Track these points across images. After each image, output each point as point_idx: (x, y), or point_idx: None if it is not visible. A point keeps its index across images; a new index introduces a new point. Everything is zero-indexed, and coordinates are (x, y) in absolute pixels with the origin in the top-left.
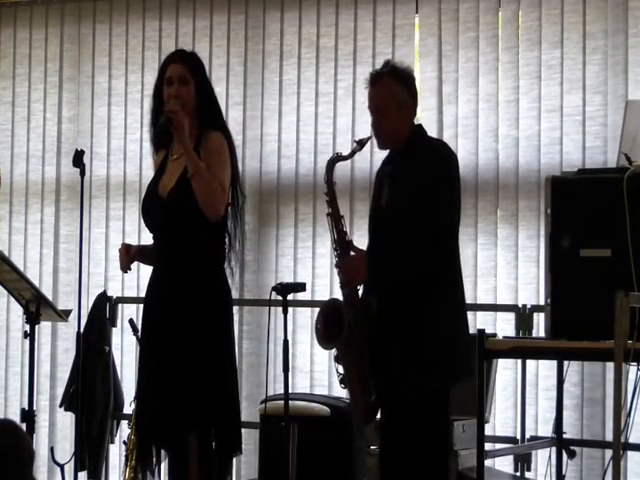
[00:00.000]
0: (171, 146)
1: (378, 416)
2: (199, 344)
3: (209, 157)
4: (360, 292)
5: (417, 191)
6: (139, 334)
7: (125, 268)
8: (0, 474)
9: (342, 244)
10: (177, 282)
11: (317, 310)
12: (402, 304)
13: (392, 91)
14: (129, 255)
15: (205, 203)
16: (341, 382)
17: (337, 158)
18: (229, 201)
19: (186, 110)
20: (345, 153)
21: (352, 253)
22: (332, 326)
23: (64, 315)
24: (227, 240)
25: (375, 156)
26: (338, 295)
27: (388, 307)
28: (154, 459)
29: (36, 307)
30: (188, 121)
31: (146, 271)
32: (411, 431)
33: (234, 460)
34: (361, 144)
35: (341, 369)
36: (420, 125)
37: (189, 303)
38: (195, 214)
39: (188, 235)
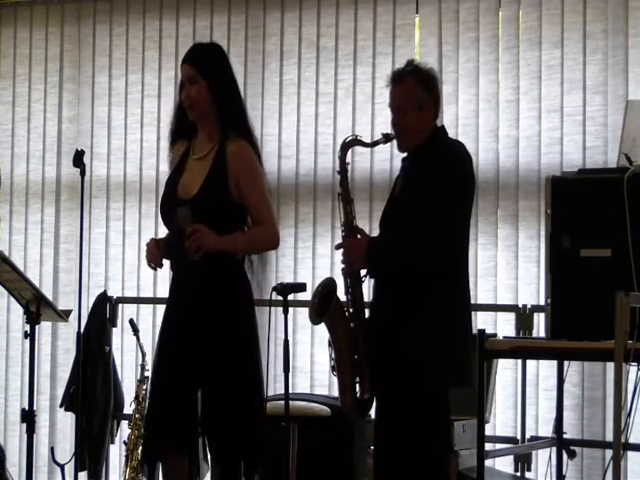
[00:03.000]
0: (193, 142)
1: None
2: (228, 350)
3: (245, 181)
4: (364, 285)
5: (427, 189)
6: (139, 334)
7: (160, 264)
8: None
9: (348, 227)
10: (200, 284)
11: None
12: (400, 300)
13: (412, 91)
14: (160, 250)
15: (265, 250)
16: (332, 368)
17: (356, 141)
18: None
19: (199, 109)
20: (366, 140)
21: (359, 237)
22: (326, 304)
23: (64, 315)
24: None
25: (395, 159)
26: (339, 295)
27: (386, 302)
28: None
29: (36, 307)
30: (202, 125)
31: (147, 271)
32: (404, 430)
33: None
34: (387, 138)
35: (334, 354)
36: (442, 127)
37: (209, 307)
38: (218, 217)
39: None
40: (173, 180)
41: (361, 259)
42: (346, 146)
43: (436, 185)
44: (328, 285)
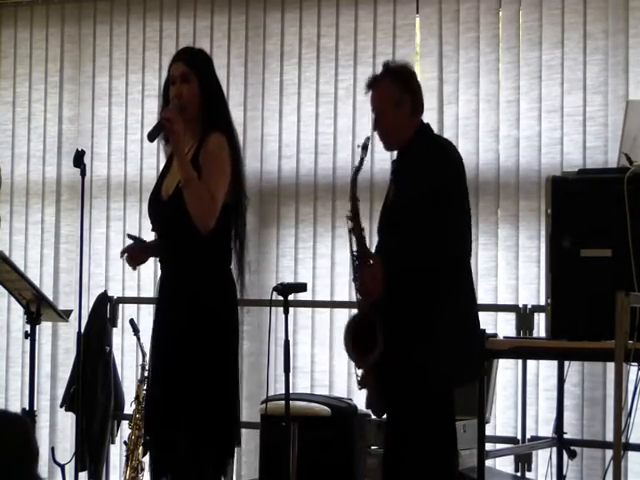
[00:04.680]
0: None
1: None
2: (197, 350)
3: (206, 162)
4: None
5: (419, 192)
6: (139, 334)
7: (135, 266)
8: (12, 470)
9: (363, 257)
10: (181, 284)
11: (320, 312)
12: (407, 304)
13: (387, 91)
14: (142, 252)
15: (194, 215)
16: (359, 383)
17: (356, 172)
18: (232, 202)
19: (188, 109)
20: (357, 164)
21: (371, 262)
22: (363, 342)
23: (65, 315)
24: (232, 241)
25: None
26: (339, 295)
27: (393, 307)
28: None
29: (37, 307)
30: (187, 124)
31: (147, 271)
32: (412, 432)
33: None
34: (365, 148)
35: (359, 372)
36: (427, 124)
37: (190, 307)
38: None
39: (190, 238)
40: (160, 180)
41: (378, 289)
42: (354, 182)
43: (426, 186)
44: (359, 323)
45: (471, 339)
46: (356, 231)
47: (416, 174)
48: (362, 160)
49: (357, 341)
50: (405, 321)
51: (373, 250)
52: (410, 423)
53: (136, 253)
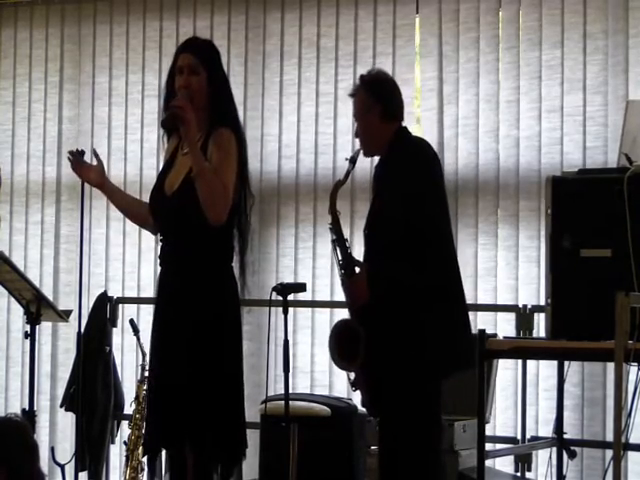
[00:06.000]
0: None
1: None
2: (202, 350)
3: (215, 155)
4: None
5: (400, 195)
6: (139, 334)
7: (77, 170)
8: (19, 468)
9: (348, 266)
10: (183, 281)
11: (320, 312)
12: (391, 305)
13: (360, 99)
14: (95, 170)
15: (207, 206)
16: (352, 385)
17: (337, 186)
18: (236, 200)
19: (196, 101)
20: (342, 178)
21: (357, 270)
22: (347, 347)
23: (64, 315)
24: (236, 239)
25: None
26: (339, 295)
27: (378, 308)
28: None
29: (37, 307)
30: (195, 116)
31: (147, 272)
32: (400, 429)
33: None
34: (353, 161)
35: (352, 375)
36: (404, 128)
37: (193, 304)
38: (200, 215)
39: (193, 234)
40: (162, 176)
41: (364, 296)
42: (333, 195)
43: (401, 193)
44: (342, 328)
45: (458, 331)
46: (340, 242)
47: (391, 180)
48: (348, 173)
49: (342, 347)
50: (390, 317)
51: (361, 255)
52: (398, 419)
53: (87, 165)
